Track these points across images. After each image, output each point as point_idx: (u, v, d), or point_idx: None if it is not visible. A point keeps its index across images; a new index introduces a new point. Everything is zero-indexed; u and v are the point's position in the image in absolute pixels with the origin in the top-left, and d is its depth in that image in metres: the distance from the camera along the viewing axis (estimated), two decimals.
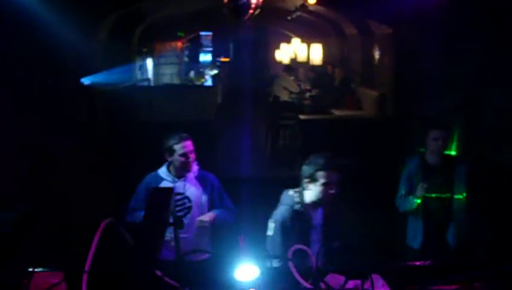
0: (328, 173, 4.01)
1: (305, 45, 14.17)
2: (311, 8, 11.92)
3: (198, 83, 17.90)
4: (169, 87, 15.30)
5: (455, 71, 6.84)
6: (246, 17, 8.19)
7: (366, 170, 8.46)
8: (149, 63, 15.27)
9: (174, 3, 12.01)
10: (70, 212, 6.33)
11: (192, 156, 4.80)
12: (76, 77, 7.11)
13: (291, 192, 4.20)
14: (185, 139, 4.77)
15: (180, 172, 4.83)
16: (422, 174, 5.04)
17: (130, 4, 8.54)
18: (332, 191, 4.02)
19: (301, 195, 4.13)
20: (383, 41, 10.58)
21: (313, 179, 4.06)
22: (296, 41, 15.36)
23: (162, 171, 4.87)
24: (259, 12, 8.06)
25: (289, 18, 13.99)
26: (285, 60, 17.61)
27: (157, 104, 11.80)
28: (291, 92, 12.74)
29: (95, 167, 7.70)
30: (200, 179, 4.93)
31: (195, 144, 10.39)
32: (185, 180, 4.85)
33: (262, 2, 8.08)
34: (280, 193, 9.77)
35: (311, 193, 4.08)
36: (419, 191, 4.91)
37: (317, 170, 4.04)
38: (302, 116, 10.50)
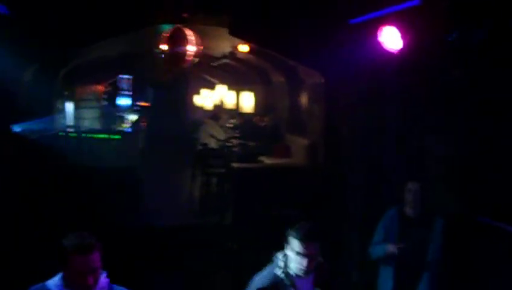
0: (302, 243, 3.70)
1: (233, 92, 14.15)
2: (239, 55, 11.98)
3: (119, 128, 17.50)
4: (91, 132, 14.86)
5: (390, 121, 6.94)
6: (185, 65, 8.17)
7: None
8: (69, 106, 14.84)
9: (98, 47, 11.79)
10: None
11: (97, 275, 3.32)
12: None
13: (278, 254, 3.90)
14: (88, 251, 3.28)
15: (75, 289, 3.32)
16: (398, 226, 5.06)
17: (55, 49, 8.21)
18: (305, 262, 3.71)
19: (285, 259, 3.83)
20: (313, 90, 10.68)
21: (290, 246, 3.79)
22: (221, 87, 15.33)
23: (53, 283, 3.37)
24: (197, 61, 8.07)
25: (214, 64, 14.00)
26: (208, 107, 17.53)
27: (80, 151, 11.45)
28: (218, 140, 12.62)
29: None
30: None
31: (119, 190, 10.07)
32: None
33: (201, 51, 8.12)
34: (211, 241, 9.60)
35: (290, 259, 3.79)
36: (393, 249, 4.91)
37: (294, 237, 3.75)
38: (234, 165, 10.38)
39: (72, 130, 14.02)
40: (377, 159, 7.08)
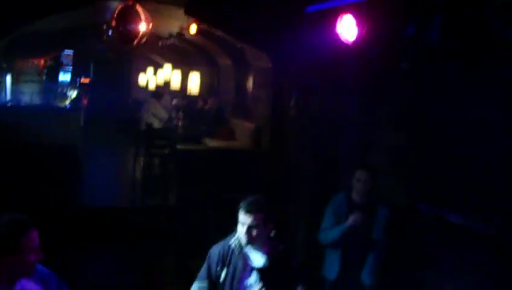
0: (242, 213, 3.95)
1: (179, 72, 14.03)
2: (187, 36, 11.88)
3: (60, 104, 17.15)
4: (31, 107, 14.51)
5: (339, 110, 7.03)
6: (135, 43, 8.02)
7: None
8: (8, 79, 14.43)
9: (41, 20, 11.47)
10: None
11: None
12: None
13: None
14: (33, 227, 3.25)
15: (15, 277, 3.25)
16: (346, 211, 5.17)
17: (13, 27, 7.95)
18: (243, 230, 3.95)
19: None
20: (260, 75, 10.70)
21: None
22: (166, 67, 15.16)
23: None
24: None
25: (160, 44, 13.84)
26: (152, 86, 17.35)
27: (18, 127, 11.15)
28: (161, 119, 12.53)
29: None
30: (41, 281, 3.41)
31: (58, 169, 9.87)
32: (21, 286, 3.28)
33: (151, 29, 7.98)
34: (155, 223, 9.51)
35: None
36: (349, 222, 5.03)
37: (238, 208, 4.00)
38: (179, 146, 10.31)
39: (10, 104, 13.67)
40: (325, 146, 7.17)
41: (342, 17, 4.75)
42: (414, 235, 5.52)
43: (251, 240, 3.97)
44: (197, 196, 8.98)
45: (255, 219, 3.93)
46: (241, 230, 3.97)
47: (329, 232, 5.26)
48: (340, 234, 5.15)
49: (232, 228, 4.08)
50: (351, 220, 5.08)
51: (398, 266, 5.41)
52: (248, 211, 3.94)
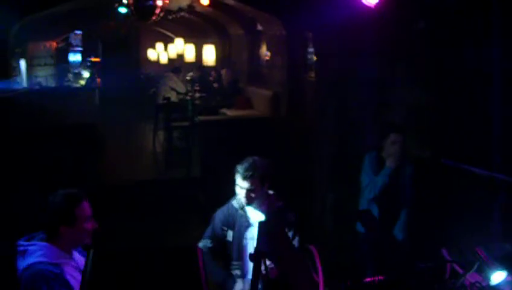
0: (239, 177, 4.14)
1: (191, 45, 14.12)
2: (197, 8, 11.96)
3: (76, 85, 17.27)
4: (49, 90, 14.65)
5: (355, 72, 7.12)
6: (153, 19, 8.15)
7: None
8: (22, 64, 14.52)
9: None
10: None
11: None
12: None
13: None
14: (85, 198, 3.50)
15: (75, 246, 3.53)
16: (377, 170, 5.28)
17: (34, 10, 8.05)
18: (242, 193, 4.14)
19: None
20: (274, 42, 10.78)
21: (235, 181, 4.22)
22: (178, 41, 15.24)
23: (49, 255, 3.31)
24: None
25: (170, 18, 13.90)
26: (164, 60, 17.43)
27: (39, 109, 11.30)
28: (178, 93, 12.65)
29: None
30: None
31: (81, 148, 10.03)
32: (77, 252, 3.58)
33: (167, 4, 8.09)
34: (179, 194, 9.63)
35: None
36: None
37: (235, 171, 4.19)
38: (197, 118, 10.46)
39: (28, 88, 13.80)
40: (345, 109, 7.28)
41: None
42: (441, 189, 5.65)
43: (250, 201, 4.18)
44: (219, 165, 9.17)
45: (252, 183, 4.11)
46: (240, 192, 4.17)
47: (372, 186, 5.32)
48: (382, 183, 5.23)
49: None
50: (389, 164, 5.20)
51: (427, 219, 5.56)
52: (245, 177, 4.11)
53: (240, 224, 4.22)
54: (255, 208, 4.22)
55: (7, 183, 7.40)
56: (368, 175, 5.39)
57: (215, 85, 13.34)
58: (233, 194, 4.24)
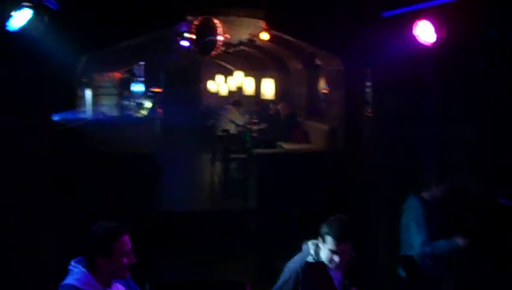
0: (336, 242, 3.93)
1: (251, 78, 14.34)
2: (257, 42, 12.15)
3: (138, 114, 17.71)
4: (111, 119, 15.09)
5: (412, 107, 7.13)
6: (212, 53, 8.39)
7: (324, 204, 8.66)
8: (88, 94, 15.02)
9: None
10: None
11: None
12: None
13: (309, 243, 4.13)
14: (125, 233, 3.64)
15: (112, 278, 3.66)
16: (427, 215, 5.14)
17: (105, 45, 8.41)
18: (337, 259, 3.95)
19: (317, 249, 4.07)
20: (333, 77, 10.84)
21: (323, 240, 4.00)
22: (238, 73, 15.51)
23: (82, 281, 3.47)
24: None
25: (230, 51, 14.16)
26: (224, 93, 17.72)
27: (102, 136, 11.62)
28: (237, 125, 12.83)
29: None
30: (126, 284, 3.85)
31: (140, 176, 10.25)
32: (115, 286, 3.72)
33: (228, 38, 8.32)
34: (236, 225, 9.77)
35: (322, 252, 4.03)
36: (460, 243, 5.03)
37: (327, 233, 3.96)
38: (255, 150, 10.59)
39: (93, 117, 14.23)
40: (403, 145, 7.26)
41: (419, 20, 4.89)
42: (497, 228, 5.56)
43: (339, 266, 3.98)
44: (275, 198, 9.25)
45: (348, 246, 3.96)
46: (332, 257, 3.95)
47: (437, 246, 5.15)
48: (449, 248, 5.08)
49: (315, 231, 4.10)
50: (461, 241, 5.04)
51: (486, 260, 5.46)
52: (339, 239, 3.91)
53: (314, 283, 3.87)
54: (335, 269, 4.00)
55: (69, 208, 7.62)
56: (421, 232, 5.19)
57: (273, 118, 13.46)
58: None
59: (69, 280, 3.51)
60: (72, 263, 3.62)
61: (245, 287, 3.91)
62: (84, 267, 3.57)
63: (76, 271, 3.55)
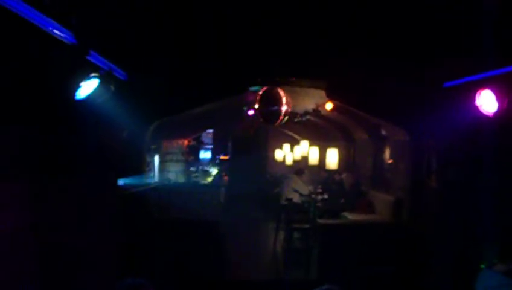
0: None
1: (316, 148, 14.38)
2: (322, 112, 12.24)
3: (204, 181, 17.96)
4: (177, 186, 15.35)
5: (475, 180, 6.97)
6: (277, 123, 8.50)
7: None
8: (155, 160, 15.39)
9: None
10: None
11: None
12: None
13: None
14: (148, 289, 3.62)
15: None
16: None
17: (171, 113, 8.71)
18: None
19: None
20: (397, 147, 10.78)
21: None
22: (303, 143, 15.59)
23: None
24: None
25: (296, 120, 14.27)
26: (289, 162, 17.78)
27: (166, 203, 11.81)
28: (302, 194, 12.81)
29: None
30: None
31: (204, 243, 10.29)
32: None
33: (291, 109, 8.43)
34: None
35: None
36: None
37: None
38: (319, 220, 10.52)
39: (159, 183, 14.51)
40: (469, 220, 7.08)
41: (481, 90, 4.85)
42: None
43: None
44: (338, 269, 9.10)
45: None
46: None
47: None
48: None
49: None
50: None
51: None
52: None
53: None
54: None
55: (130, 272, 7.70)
56: None
57: (338, 188, 13.39)
58: None
59: None
60: None
61: None
62: None
63: None
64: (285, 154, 18.65)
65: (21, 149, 5.64)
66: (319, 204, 12.29)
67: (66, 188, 6.43)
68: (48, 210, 6.24)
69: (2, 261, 5.07)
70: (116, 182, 7.17)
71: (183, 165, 17.91)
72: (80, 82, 4.61)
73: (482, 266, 5.15)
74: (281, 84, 8.17)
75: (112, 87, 4.92)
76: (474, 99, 4.96)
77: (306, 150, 15.14)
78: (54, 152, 6.26)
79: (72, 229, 6.57)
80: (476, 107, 4.96)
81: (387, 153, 11.79)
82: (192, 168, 19.00)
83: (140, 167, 12.04)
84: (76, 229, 6.63)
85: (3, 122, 5.00)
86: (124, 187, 7.91)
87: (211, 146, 23.38)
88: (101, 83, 4.80)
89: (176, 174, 17.10)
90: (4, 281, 5.12)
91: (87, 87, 4.71)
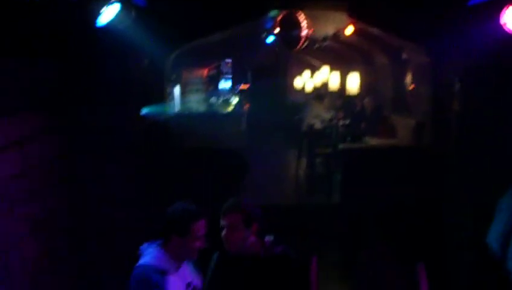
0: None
1: (336, 73, 14.27)
2: (342, 37, 12.08)
3: (224, 111, 17.99)
4: (198, 115, 15.42)
5: (502, 102, 6.88)
6: (297, 48, 8.43)
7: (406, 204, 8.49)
8: (176, 90, 15.40)
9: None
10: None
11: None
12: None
13: None
14: (204, 217, 3.77)
15: (182, 259, 3.81)
16: None
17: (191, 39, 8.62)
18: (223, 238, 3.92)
19: None
20: (419, 70, 10.65)
21: None
22: (324, 69, 15.47)
23: (156, 259, 3.67)
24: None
25: (316, 46, 14.12)
26: (309, 88, 17.71)
27: (188, 131, 11.89)
28: (323, 120, 12.80)
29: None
30: (194, 265, 4.01)
31: (227, 171, 10.43)
32: (186, 264, 3.89)
33: (312, 33, 8.33)
34: (320, 221, 9.75)
35: None
36: None
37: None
38: (340, 145, 10.54)
39: (180, 112, 14.59)
40: (495, 141, 7.01)
41: (506, 8, 4.74)
42: None
43: (230, 245, 3.89)
44: (360, 194, 9.17)
45: (230, 220, 3.89)
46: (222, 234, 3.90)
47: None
48: None
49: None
50: None
51: None
52: (222, 213, 3.90)
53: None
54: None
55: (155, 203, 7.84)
56: None
57: (359, 113, 13.35)
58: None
59: (143, 261, 3.68)
60: (144, 246, 3.80)
61: (311, 259, 3.91)
62: (155, 248, 3.73)
63: (148, 251, 3.73)
64: (305, 81, 18.55)
65: (43, 81, 5.68)
66: (340, 129, 12.29)
67: (89, 120, 6.49)
68: (72, 142, 6.33)
69: (34, 189, 5.19)
70: (138, 111, 7.19)
71: (203, 95, 17.94)
72: (101, 8, 4.56)
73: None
74: (300, 8, 8.04)
75: (133, 13, 4.87)
76: (499, 18, 4.86)
77: (326, 76, 15.04)
78: (76, 83, 6.29)
79: (95, 160, 6.66)
80: (501, 26, 4.85)
81: (408, 77, 11.66)
82: (212, 98, 19.02)
83: (161, 96, 12.04)
84: (100, 159, 6.72)
85: (24, 54, 5.01)
86: (146, 116, 7.93)
87: (230, 75, 23.32)
88: (122, 9, 4.75)
89: (196, 104, 17.16)
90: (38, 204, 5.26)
91: (108, 13, 4.66)
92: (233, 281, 3.82)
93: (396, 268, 3.81)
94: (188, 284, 3.78)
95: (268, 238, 4.16)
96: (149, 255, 3.69)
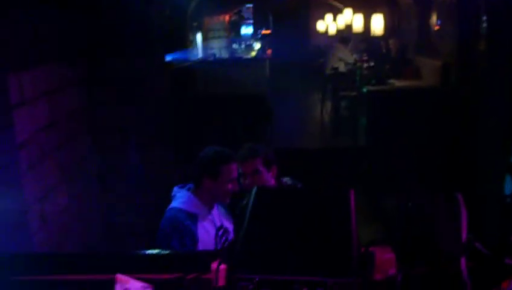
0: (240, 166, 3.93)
1: (360, 16, 14.07)
2: None
3: (247, 56, 17.95)
4: (221, 61, 15.42)
5: None
6: None
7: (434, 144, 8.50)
8: (198, 37, 15.37)
9: None
10: None
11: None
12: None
13: None
14: (235, 160, 3.77)
15: (214, 201, 3.85)
16: None
17: None
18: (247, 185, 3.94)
19: None
20: (444, 10, 10.49)
21: None
22: (346, 11, 15.26)
23: (188, 203, 3.71)
24: None
25: None
26: (332, 31, 17.51)
27: (212, 78, 11.92)
28: (347, 63, 12.72)
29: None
30: (225, 208, 4.04)
31: (253, 116, 10.48)
32: (217, 208, 3.91)
33: None
34: (345, 162, 9.83)
35: None
36: None
37: None
38: (365, 88, 10.50)
39: (203, 59, 14.60)
40: None
41: None
42: None
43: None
44: (386, 136, 9.19)
45: (251, 166, 3.92)
46: (243, 182, 3.91)
47: None
48: None
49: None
50: None
51: None
52: (241, 160, 3.89)
53: None
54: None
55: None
56: None
57: (384, 55, 13.24)
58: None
59: (175, 204, 3.73)
60: (175, 189, 3.87)
61: (349, 191, 3.96)
62: (189, 190, 3.79)
63: (180, 195, 3.78)
64: (327, 24, 18.33)
65: (70, 33, 5.72)
66: (365, 72, 12.22)
67: (114, 70, 6.53)
68: (98, 92, 6.39)
69: (62, 138, 5.29)
70: (164, 58, 7.21)
71: (225, 41, 17.88)
72: None
73: None
74: None
75: None
76: None
77: (350, 19, 14.84)
78: (101, 34, 6.32)
79: (123, 109, 6.72)
80: None
81: (433, 17, 11.48)
82: (234, 44, 18.95)
83: (184, 43, 12.06)
84: (128, 108, 6.78)
85: (51, 6, 5.04)
86: (171, 63, 7.96)
87: (252, 21, 23.15)
88: None
89: (219, 50, 17.11)
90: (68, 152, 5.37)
91: None
92: (277, 211, 3.91)
93: (435, 200, 3.84)
94: (219, 228, 3.83)
95: (286, 180, 4.19)
96: (181, 198, 3.74)
